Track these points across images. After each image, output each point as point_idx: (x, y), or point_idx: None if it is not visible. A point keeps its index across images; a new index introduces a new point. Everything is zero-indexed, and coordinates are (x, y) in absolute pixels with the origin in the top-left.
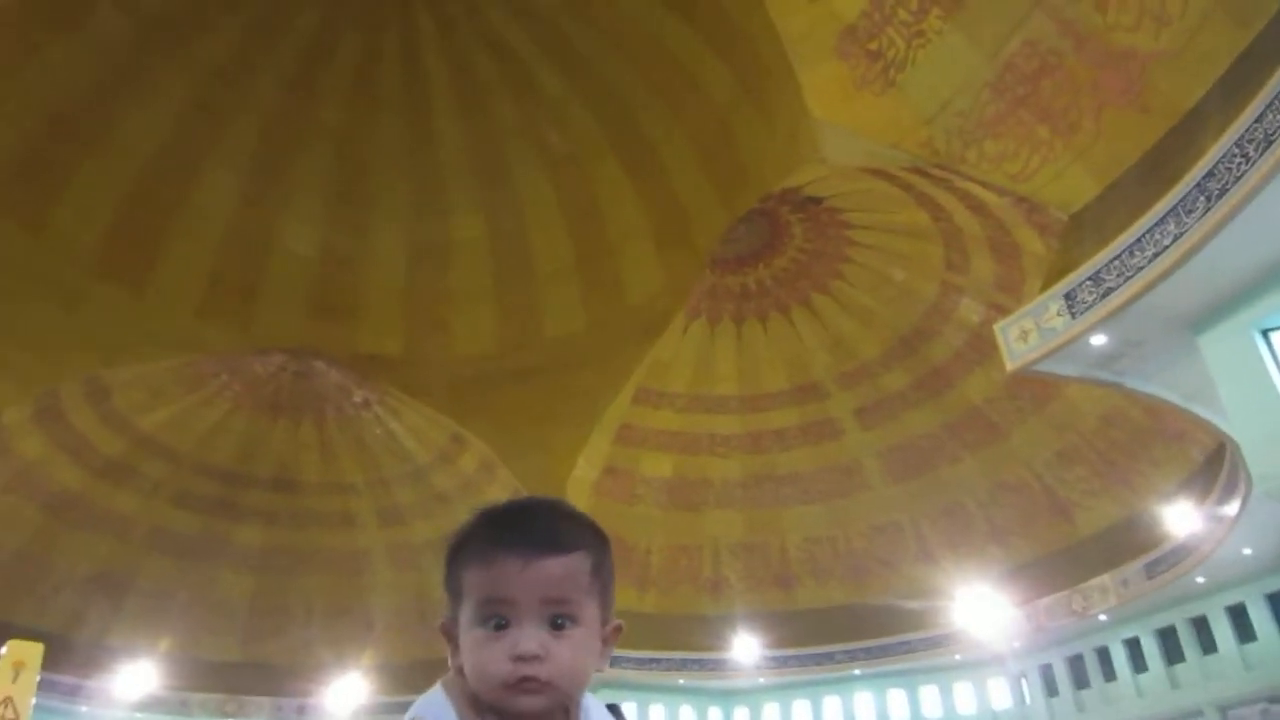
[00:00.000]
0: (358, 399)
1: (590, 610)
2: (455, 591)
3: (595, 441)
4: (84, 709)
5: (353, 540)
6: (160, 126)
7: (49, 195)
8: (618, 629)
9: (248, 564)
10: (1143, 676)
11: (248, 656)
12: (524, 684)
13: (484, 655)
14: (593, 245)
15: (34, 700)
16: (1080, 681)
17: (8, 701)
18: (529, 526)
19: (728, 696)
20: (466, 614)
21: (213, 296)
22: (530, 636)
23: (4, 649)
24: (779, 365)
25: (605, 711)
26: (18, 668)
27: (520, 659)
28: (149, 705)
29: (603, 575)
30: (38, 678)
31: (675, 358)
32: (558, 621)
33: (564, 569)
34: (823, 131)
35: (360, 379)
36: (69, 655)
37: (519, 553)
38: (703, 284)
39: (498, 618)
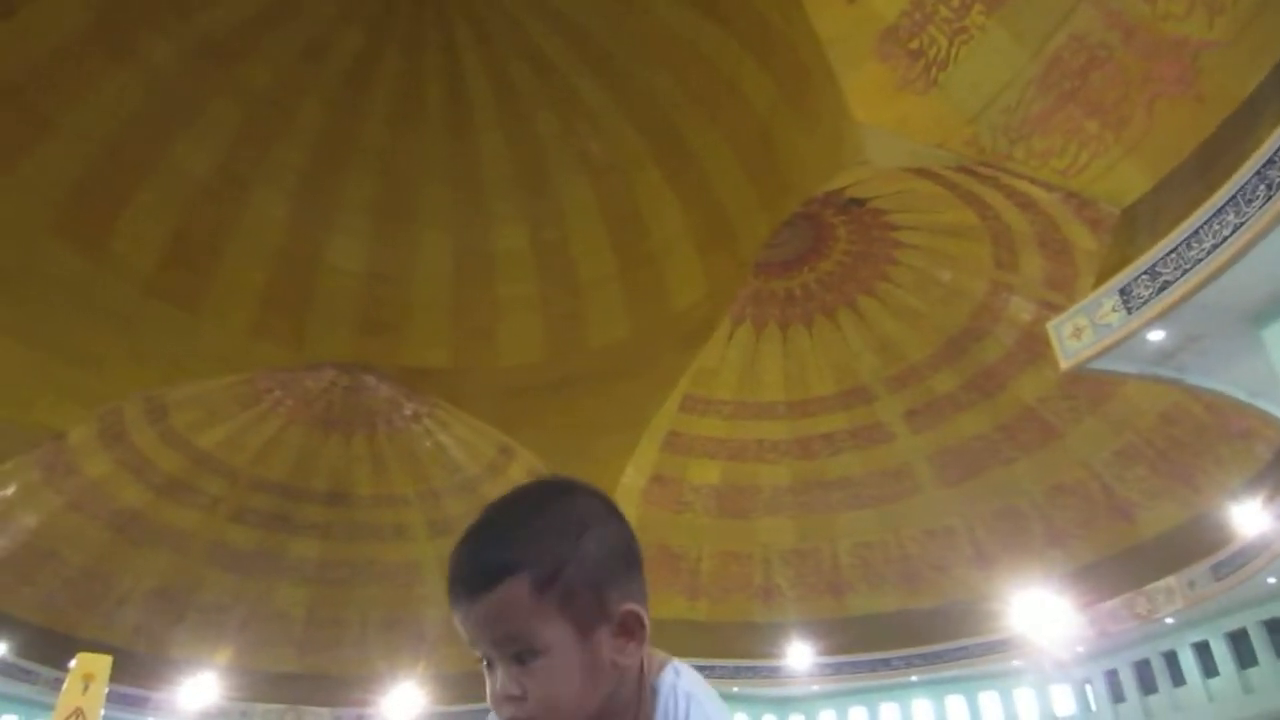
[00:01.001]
0: (407, 412)
1: (553, 630)
2: None
3: (643, 449)
4: None
5: (405, 552)
6: (211, 150)
7: (107, 220)
8: (625, 619)
9: (304, 576)
10: (1213, 681)
11: (305, 667)
12: None
13: (487, 693)
14: (635, 253)
15: (103, 712)
16: (1148, 687)
17: (79, 713)
18: (459, 560)
19: (782, 704)
20: None
21: (264, 314)
22: (503, 678)
23: (74, 662)
24: (826, 369)
25: (680, 698)
26: (87, 679)
27: (497, 700)
28: (211, 715)
29: (559, 585)
30: (106, 689)
31: (721, 364)
32: (520, 656)
33: (494, 607)
34: (865, 133)
35: (409, 392)
36: (134, 668)
37: (458, 595)
38: (747, 289)
39: (481, 659)
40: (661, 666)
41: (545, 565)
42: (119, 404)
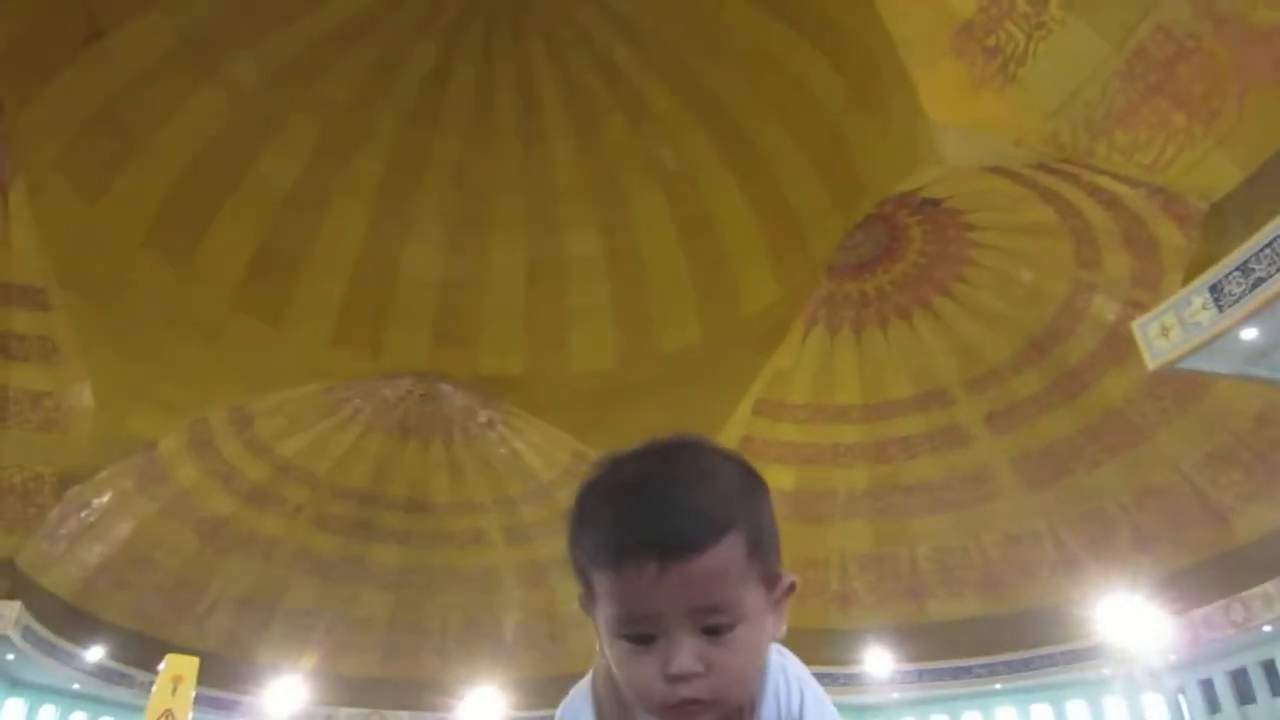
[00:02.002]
0: (482, 419)
1: (754, 596)
2: (584, 581)
3: None
4: None
5: (483, 558)
6: (292, 164)
7: (194, 235)
8: (791, 588)
9: (386, 583)
10: None
11: (388, 672)
12: (686, 706)
13: (633, 672)
14: (707, 257)
15: (191, 714)
16: (1244, 697)
17: (168, 714)
18: (659, 515)
19: (861, 712)
20: (603, 616)
21: (343, 325)
22: (684, 651)
23: (163, 664)
24: (902, 372)
25: (792, 682)
26: (176, 681)
27: (676, 678)
28: (299, 719)
29: (763, 544)
30: (194, 691)
31: (795, 367)
32: (714, 627)
33: (713, 569)
34: (940, 132)
35: (484, 400)
36: (224, 672)
37: (651, 556)
38: (820, 291)
39: (639, 633)
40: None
41: (754, 521)
42: (206, 414)
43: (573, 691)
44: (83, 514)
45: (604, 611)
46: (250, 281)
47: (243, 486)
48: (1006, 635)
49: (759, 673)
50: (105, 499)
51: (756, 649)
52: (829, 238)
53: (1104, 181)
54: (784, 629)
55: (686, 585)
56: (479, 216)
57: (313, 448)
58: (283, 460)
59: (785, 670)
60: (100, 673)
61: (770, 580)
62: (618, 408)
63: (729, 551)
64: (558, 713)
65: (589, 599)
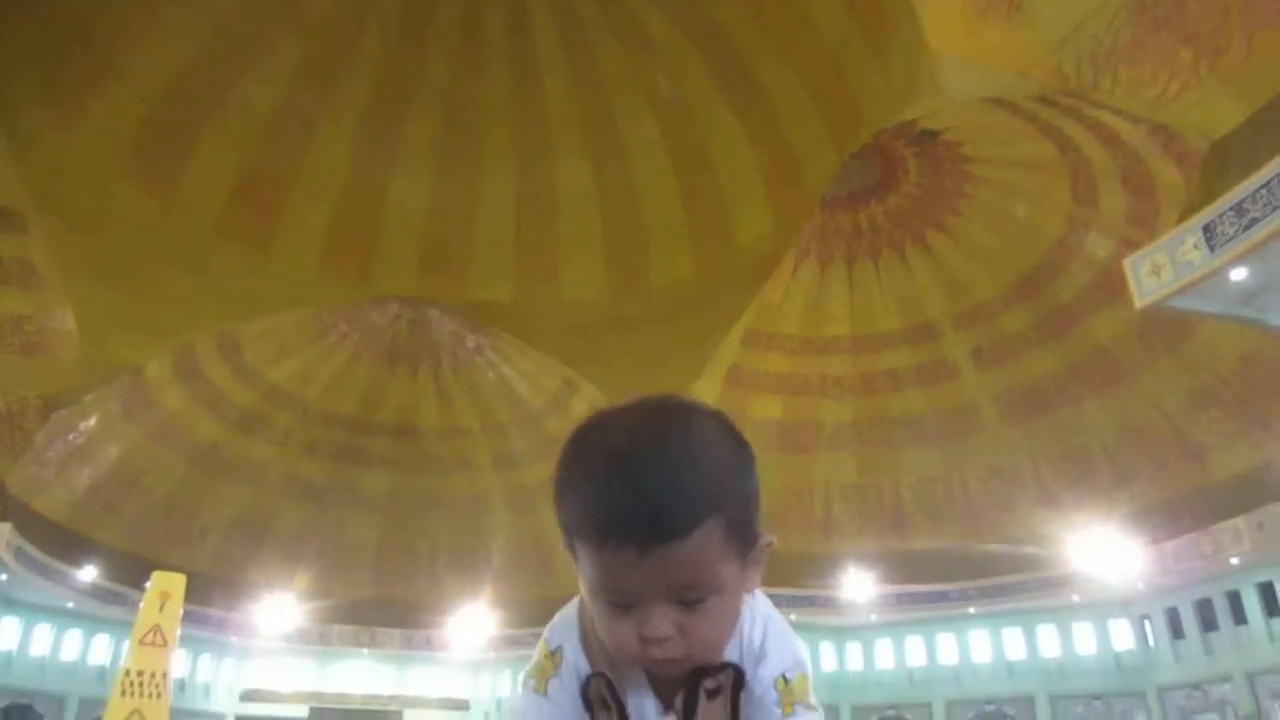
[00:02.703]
0: (471, 345)
1: (730, 569)
2: (567, 537)
3: (705, 385)
4: (234, 639)
5: (472, 484)
6: (274, 88)
7: (175, 161)
8: (766, 546)
9: (375, 507)
10: (1276, 621)
11: (379, 593)
12: (658, 663)
13: (609, 628)
14: (700, 189)
15: (179, 630)
16: (1208, 625)
17: (156, 629)
18: (643, 501)
19: (840, 633)
20: (583, 574)
21: (331, 251)
22: (659, 617)
23: (150, 582)
24: (892, 305)
25: (756, 620)
26: (163, 598)
27: (650, 641)
28: (293, 637)
29: (745, 520)
30: (182, 607)
31: (785, 299)
32: (689, 600)
33: (693, 554)
34: (942, 64)
35: (473, 326)
36: (220, 592)
37: (631, 541)
38: (813, 224)
39: (617, 601)
40: None
41: (735, 504)
42: (191, 339)
43: (559, 615)
44: (70, 437)
45: (584, 572)
46: (233, 208)
47: (231, 412)
48: (983, 564)
49: (731, 632)
50: (92, 423)
51: (730, 614)
52: (824, 170)
53: (1105, 117)
54: (758, 583)
55: (665, 568)
56: (468, 145)
57: (301, 373)
58: (271, 386)
59: (752, 609)
60: (94, 592)
61: (748, 544)
62: (608, 337)
63: (710, 536)
64: (544, 633)
65: (571, 552)
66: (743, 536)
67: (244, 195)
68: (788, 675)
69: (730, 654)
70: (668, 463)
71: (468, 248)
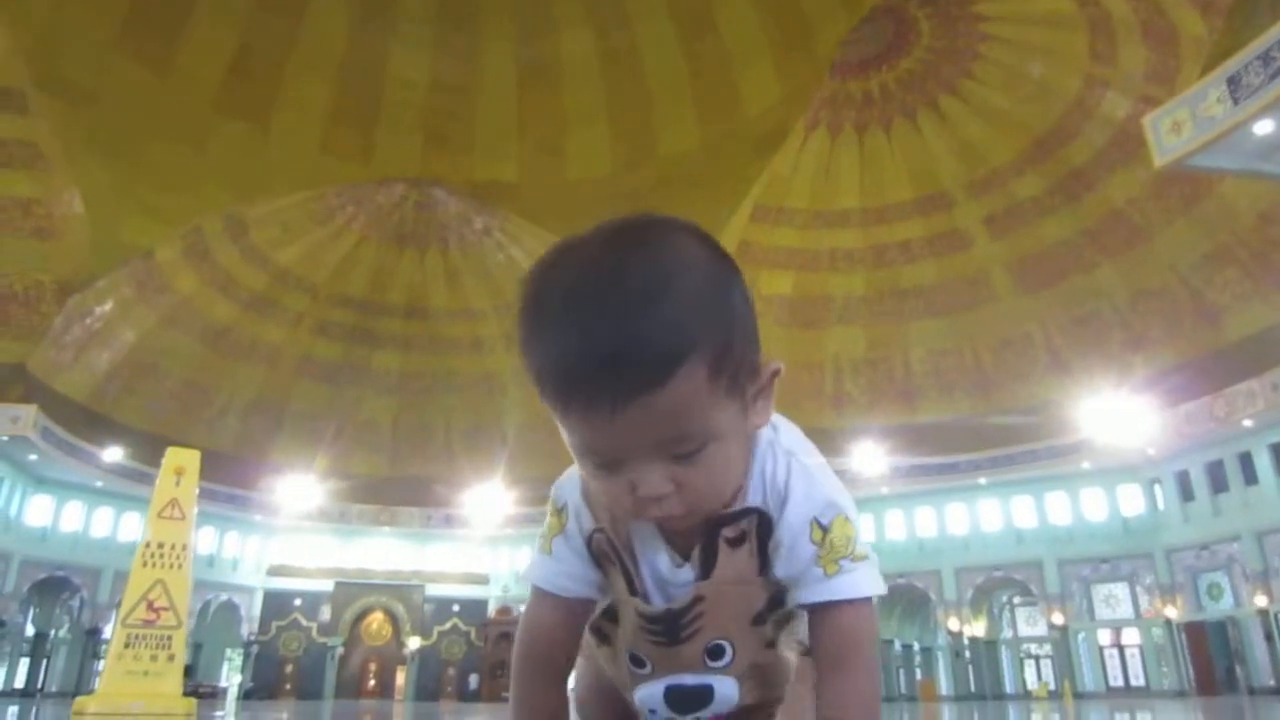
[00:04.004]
0: (478, 226)
1: (724, 415)
2: (539, 391)
3: None
4: (258, 518)
5: (483, 364)
6: None
7: (169, 36)
8: (773, 376)
9: (388, 387)
10: None
11: (396, 472)
12: (658, 520)
13: (602, 487)
14: (707, 58)
15: (196, 506)
16: (1218, 486)
17: (174, 503)
18: (606, 343)
19: None
20: (563, 433)
21: (332, 130)
22: (652, 476)
23: (165, 458)
24: (903, 175)
25: (779, 456)
26: (179, 473)
27: (646, 500)
28: (314, 516)
29: (734, 353)
30: (198, 481)
31: (794, 172)
32: (683, 451)
33: (674, 403)
34: None
35: (479, 206)
36: (242, 472)
37: (600, 393)
38: (823, 92)
39: (602, 462)
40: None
41: (719, 336)
42: (200, 222)
43: (568, 470)
44: (87, 321)
45: (562, 431)
46: (231, 84)
47: (242, 295)
48: (994, 435)
49: (736, 478)
50: (107, 307)
51: (732, 460)
52: (834, 33)
53: None
54: (768, 416)
55: (644, 423)
56: (466, 15)
57: (309, 256)
58: (281, 269)
59: (774, 445)
60: (121, 471)
61: (748, 384)
62: (615, 213)
63: (692, 379)
64: (551, 490)
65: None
66: (736, 370)
67: (241, 70)
68: (821, 520)
69: (753, 496)
70: (630, 298)
71: (470, 123)
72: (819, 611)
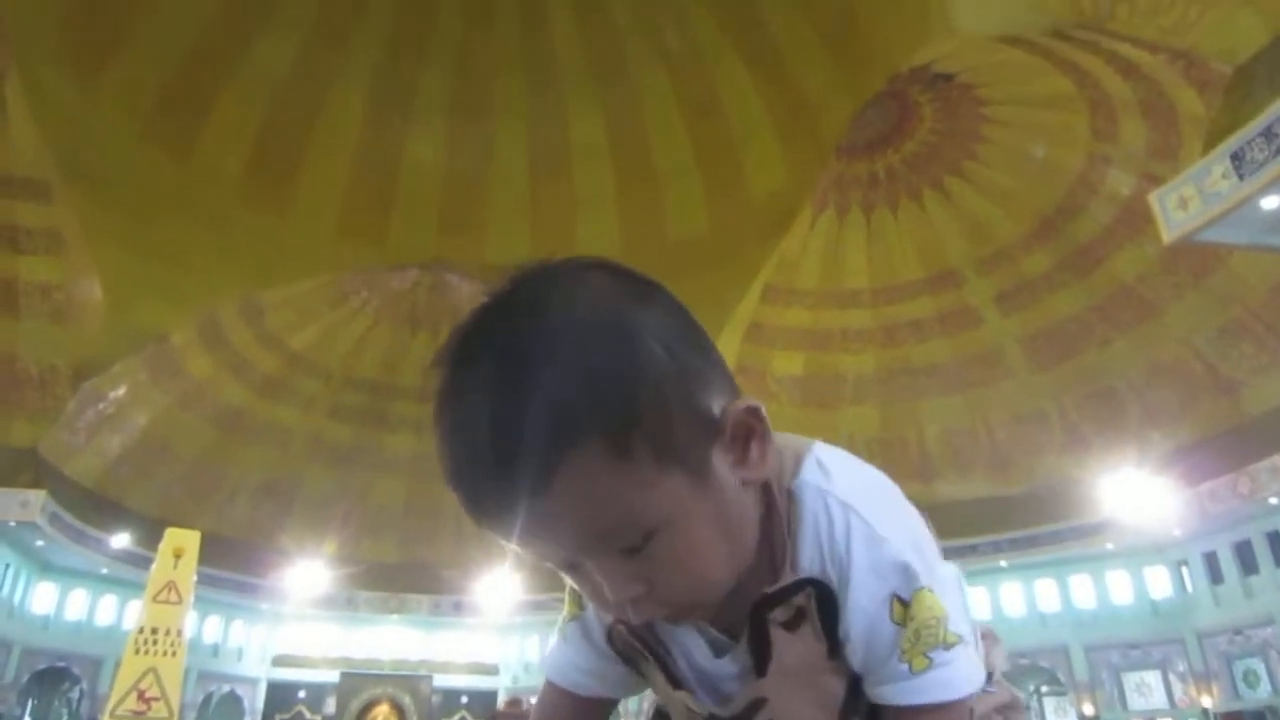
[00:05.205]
0: None
1: (660, 492)
2: None
3: (725, 342)
4: (265, 606)
5: None
6: (289, 51)
7: (194, 125)
8: (737, 422)
9: (400, 471)
10: None
11: (406, 557)
12: (664, 618)
13: (579, 587)
14: (714, 142)
15: (194, 590)
16: (1248, 568)
17: (171, 586)
18: (466, 450)
19: None
20: None
21: (349, 215)
22: (611, 579)
23: (163, 539)
24: (912, 254)
25: (835, 510)
26: (178, 554)
27: (621, 606)
28: (321, 603)
29: (643, 426)
30: (196, 564)
31: (803, 253)
32: (626, 546)
33: (560, 504)
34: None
35: (491, 289)
36: (251, 558)
37: (492, 514)
38: (829, 174)
39: (558, 567)
40: (798, 462)
41: (611, 406)
42: (216, 306)
43: None
44: (100, 406)
45: None
46: (252, 172)
47: (256, 378)
48: (1014, 514)
49: (730, 553)
50: (121, 391)
51: (701, 543)
52: (839, 117)
53: (1122, 47)
54: (767, 463)
55: (557, 530)
56: (481, 102)
57: (323, 339)
58: (294, 352)
59: (827, 495)
60: (127, 557)
61: (694, 441)
62: None
63: (585, 470)
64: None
65: None
66: (664, 433)
67: (261, 157)
68: (901, 594)
69: (806, 562)
70: (495, 391)
71: (484, 208)
72: (904, 714)
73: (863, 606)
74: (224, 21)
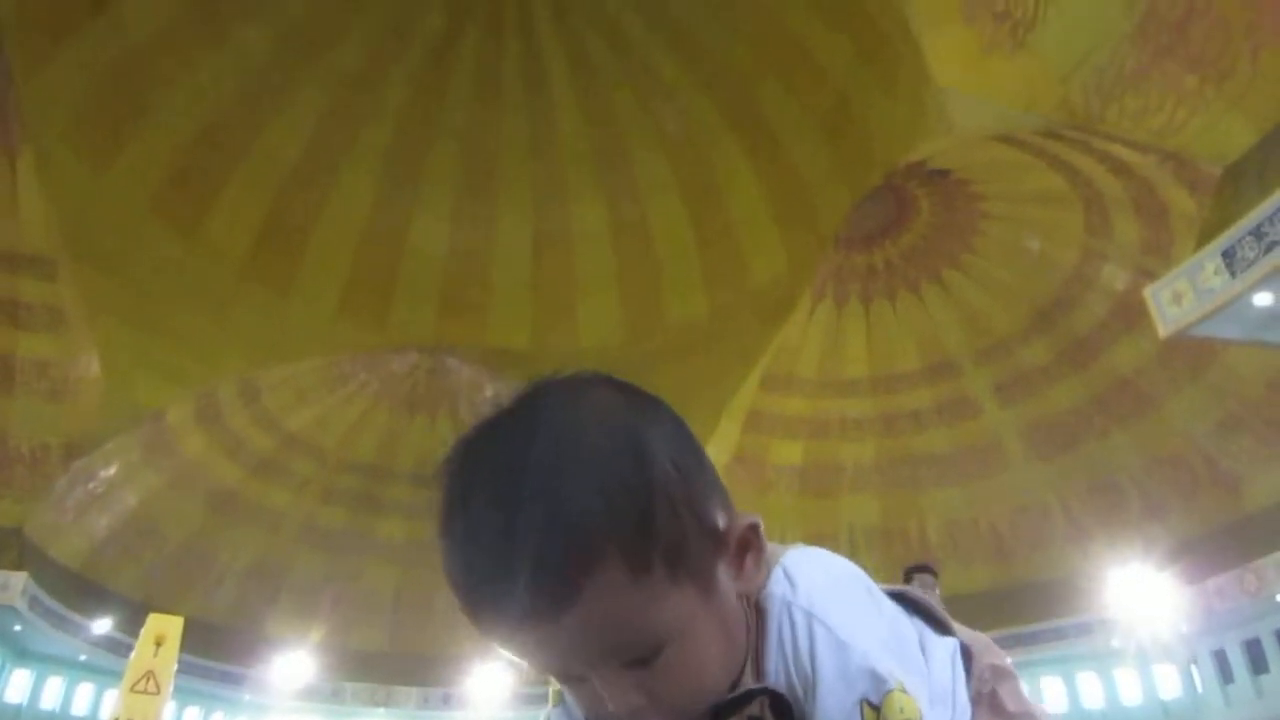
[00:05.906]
0: (489, 393)
1: (673, 606)
2: None
3: (724, 429)
4: (247, 697)
5: None
6: (300, 134)
7: (202, 203)
8: (748, 534)
9: (392, 557)
10: None
11: (395, 647)
12: None
13: (577, 698)
14: (713, 228)
15: (174, 679)
16: (1259, 666)
17: (149, 675)
18: (490, 570)
19: None
20: None
21: (350, 297)
22: (615, 692)
23: (145, 625)
24: (910, 345)
25: (798, 621)
26: (159, 641)
27: (620, 715)
28: (306, 694)
29: (659, 543)
30: (178, 652)
31: (802, 341)
32: (635, 661)
33: (584, 620)
34: (949, 99)
35: (491, 374)
36: (235, 646)
37: (502, 625)
38: (828, 264)
39: (559, 679)
40: (767, 574)
41: (630, 523)
42: (215, 385)
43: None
44: (90, 485)
45: None
46: (258, 252)
47: (250, 459)
48: (1016, 608)
49: (727, 663)
50: (112, 470)
51: (705, 654)
52: (836, 209)
53: (1114, 148)
54: (761, 575)
55: (571, 645)
56: (485, 187)
57: (320, 421)
58: (290, 433)
59: (790, 605)
60: (107, 644)
61: (703, 556)
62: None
63: (607, 588)
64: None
65: None
66: (676, 549)
67: (267, 238)
68: (871, 699)
69: (771, 672)
70: (520, 498)
71: (486, 291)
72: None
73: (832, 715)
74: (237, 107)
